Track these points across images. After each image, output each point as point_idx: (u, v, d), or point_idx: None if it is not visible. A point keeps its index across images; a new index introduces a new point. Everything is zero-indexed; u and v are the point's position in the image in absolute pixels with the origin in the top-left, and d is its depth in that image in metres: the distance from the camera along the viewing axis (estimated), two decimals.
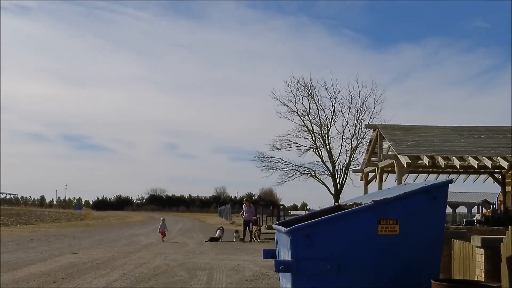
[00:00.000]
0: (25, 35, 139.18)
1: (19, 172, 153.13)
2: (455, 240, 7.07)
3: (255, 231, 22.74)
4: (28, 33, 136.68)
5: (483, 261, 5.72)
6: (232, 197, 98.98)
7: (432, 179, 20.27)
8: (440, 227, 5.89)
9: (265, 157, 38.60)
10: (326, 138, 38.48)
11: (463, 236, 7.23)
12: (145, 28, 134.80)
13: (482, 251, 5.76)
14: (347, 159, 38.19)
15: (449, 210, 46.09)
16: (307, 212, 46.68)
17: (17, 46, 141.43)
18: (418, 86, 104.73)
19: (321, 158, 38.48)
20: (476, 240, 5.90)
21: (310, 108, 38.32)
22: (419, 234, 5.75)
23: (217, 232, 22.90)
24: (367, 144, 24.82)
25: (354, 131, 37.95)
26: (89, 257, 14.12)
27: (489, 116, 74.48)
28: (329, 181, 38.67)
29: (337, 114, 38.40)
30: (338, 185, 38.28)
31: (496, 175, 20.54)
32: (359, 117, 37.84)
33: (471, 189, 38.94)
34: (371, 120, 36.86)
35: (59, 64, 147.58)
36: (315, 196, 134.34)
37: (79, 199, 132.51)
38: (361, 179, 21.92)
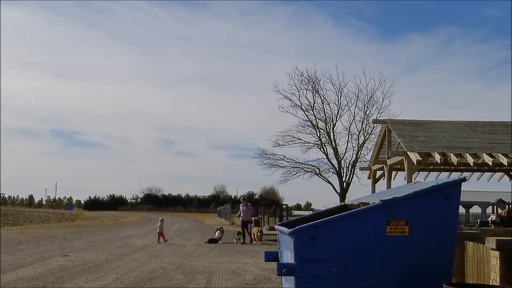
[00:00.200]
0: (13, 25, 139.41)
1: (6, 170, 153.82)
2: (468, 242, 7.06)
3: (257, 232, 22.71)
4: (16, 23, 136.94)
5: (498, 264, 5.71)
6: (232, 196, 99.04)
7: (444, 177, 20.27)
8: (453, 228, 5.88)
9: (266, 154, 38.68)
10: (332, 134, 38.53)
11: (477, 237, 7.23)
12: (141, 19, 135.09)
13: (497, 253, 5.75)
14: (354, 156, 38.26)
15: (462, 210, 46.12)
16: (311, 212, 46.78)
17: (5, 37, 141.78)
18: (429, 79, 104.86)
19: (326, 155, 38.54)
20: (491, 242, 5.89)
21: (314, 102, 38.37)
22: (430, 235, 5.74)
23: (216, 233, 22.90)
24: (375, 140, 24.78)
25: (361, 126, 38.01)
26: (80, 260, 14.13)
27: (505, 111, 74.49)
28: (335, 180, 38.74)
29: (343, 108, 38.45)
30: (344, 183, 38.31)
31: None
32: (366, 111, 37.89)
33: (486, 188, 38.99)
34: (379, 114, 36.92)
35: (49, 56, 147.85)
36: (320, 195, 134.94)
37: (70, 199, 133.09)
38: (369, 177, 21.91)
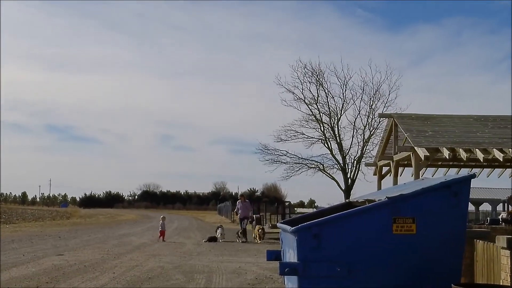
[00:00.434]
0: (5, 16, 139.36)
1: None
2: (478, 240, 7.05)
3: (258, 230, 22.80)
4: (7, 14, 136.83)
5: (509, 263, 5.70)
6: (233, 193, 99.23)
7: (452, 173, 20.25)
8: (462, 226, 5.89)
9: (268, 150, 38.63)
10: (336, 129, 38.47)
11: (487, 236, 7.21)
12: (138, 9, 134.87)
13: (508, 252, 5.75)
14: (359, 151, 38.21)
15: (471, 207, 46.20)
16: (315, 209, 46.77)
17: None
18: (437, 71, 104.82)
19: (331, 150, 38.51)
20: (502, 240, 5.88)
21: (318, 96, 38.29)
22: (438, 234, 5.75)
23: (218, 231, 23.01)
24: (381, 135, 24.77)
25: (367, 120, 37.93)
26: (76, 259, 14.17)
27: None
28: (339, 176, 38.71)
29: (348, 102, 38.36)
30: (349, 180, 38.31)
31: None
32: (372, 105, 37.81)
33: (496, 185, 39.04)
34: (385, 108, 36.83)
35: (42, 48, 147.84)
36: (324, 192, 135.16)
37: (65, 196, 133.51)
38: (374, 174, 21.91)
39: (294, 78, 38.31)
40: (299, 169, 38.96)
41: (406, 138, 17.13)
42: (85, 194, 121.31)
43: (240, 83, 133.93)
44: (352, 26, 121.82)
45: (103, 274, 11.38)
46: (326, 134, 38.48)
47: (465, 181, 5.90)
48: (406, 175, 21.03)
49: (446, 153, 15.46)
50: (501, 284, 5.81)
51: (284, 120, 77.28)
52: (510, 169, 21.40)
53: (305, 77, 38.08)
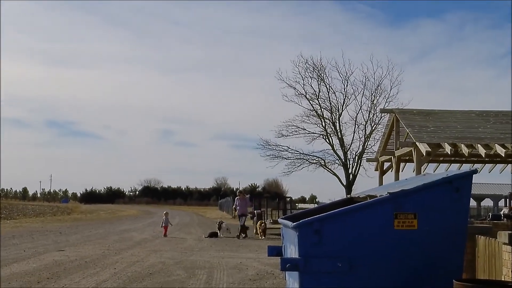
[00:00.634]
0: (5, 10, 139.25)
1: None
2: (479, 236, 7.06)
3: (259, 226, 22.83)
4: (7, 9, 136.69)
5: (511, 259, 5.71)
6: (234, 189, 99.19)
7: (454, 169, 20.26)
8: (463, 221, 5.89)
9: (270, 145, 38.62)
10: (337, 124, 38.43)
11: (489, 232, 7.22)
12: (139, 3, 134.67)
13: (509, 248, 5.76)
14: (361, 147, 38.18)
15: (473, 203, 46.18)
16: (316, 205, 46.81)
17: None
18: (439, 66, 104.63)
19: (332, 146, 38.48)
20: (503, 236, 5.89)
21: (319, 91, 38.25)
22: (440, 229, 5.75)
23: (222, 225, 23.02)
24: (383, 130, 24.75)
25: (368, 116, 37.88)
26: (76, 255, 14.19)
27: None
28: (341, 171, 38.70)
29: (349, 97, 38.32)
30: (351, 175, 38.30)
31: None
32: (373, 100, 37.76)
33: (498, 180, 39.04)
34: (387, 104, 36.76)
35: (43, 43, 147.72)
36: (325, 187, 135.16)
37: (66, 191, 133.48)
38: (376, 169, 21.90)
39: (295, 73, 38.31)
40: (300, 164, 38.98)
41: (408, 133, 17.12)
42: (86, 190, 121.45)
43: (241, 78, 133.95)
44: (354, 21, 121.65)
45: (104, 270, 11.41)
46: (328, 130, 38.48)
47: (467, 177, 5.90)
48: (408, 171, 21.04)
49: (448, 149, 15.46)
50: (503, 279, 5.82)
51: (285, 115, 77.21)
52: None
53: (306, 72, 38.07)
